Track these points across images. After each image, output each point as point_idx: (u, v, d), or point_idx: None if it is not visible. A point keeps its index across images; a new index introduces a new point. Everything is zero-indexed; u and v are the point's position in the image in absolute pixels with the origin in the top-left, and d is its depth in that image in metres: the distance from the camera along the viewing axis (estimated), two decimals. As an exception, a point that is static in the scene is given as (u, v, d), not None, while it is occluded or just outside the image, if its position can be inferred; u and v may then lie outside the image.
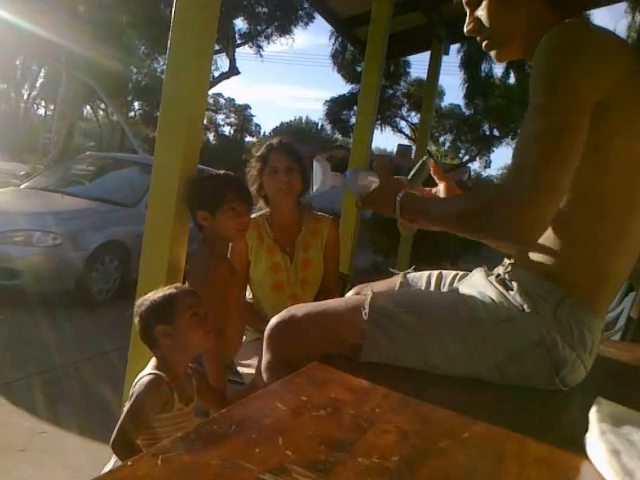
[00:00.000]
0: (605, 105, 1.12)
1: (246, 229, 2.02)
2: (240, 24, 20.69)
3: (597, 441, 0.90)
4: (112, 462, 1.41)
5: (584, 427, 0.96)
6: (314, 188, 1.55)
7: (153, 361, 1.49)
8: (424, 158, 1.51)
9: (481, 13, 1.31)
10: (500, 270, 1.33)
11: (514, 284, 1.25)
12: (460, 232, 1.27)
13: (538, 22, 1.25)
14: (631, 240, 1.23)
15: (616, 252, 1.21)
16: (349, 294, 1.68)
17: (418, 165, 1.50)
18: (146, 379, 1.41)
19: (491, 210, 1.12)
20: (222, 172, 2.14)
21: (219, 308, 1.81)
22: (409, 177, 1.48)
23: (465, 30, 1.36)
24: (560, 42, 1.13)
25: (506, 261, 1.34)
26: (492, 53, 1.36)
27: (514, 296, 1.23)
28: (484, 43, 1.35)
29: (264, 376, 1.35)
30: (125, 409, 1.38)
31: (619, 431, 0.93)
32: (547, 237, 1.20)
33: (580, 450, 0.92)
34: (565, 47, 1.12)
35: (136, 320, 1.51)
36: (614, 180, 1.17)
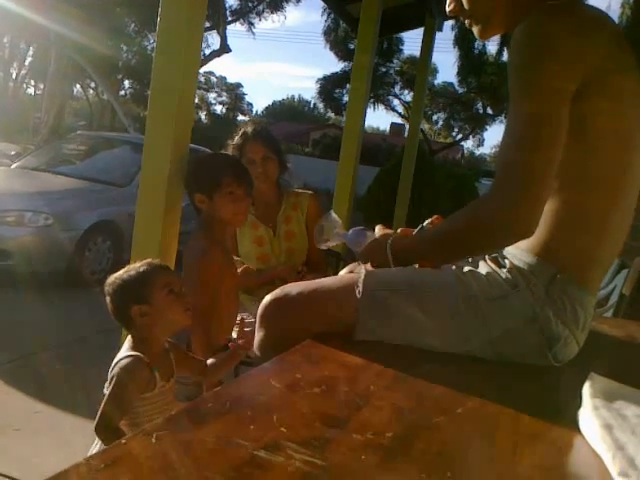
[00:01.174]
0: (586, 88, 1.13)
1: (244, 214, 1.95)
2: (231, 0, 20.48)
3: (590, 416, 0.91)
4: (97, 445, 1.39)
5: (577, 402, 0.97)
6: (319, 243, 1.65)
7: (129, 341, 1.44)
8: (424, 223, 1.53)
9: None
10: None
11: (506, 262, 1.26)
12: (460, 251, 1.28)
13: (518, 0, 1.25)
14: (619, 217, 1.24)
15: (605, 229, 1.22)
16: (342, 272, 1.68)
17: (417, 230, 1.50)
18: (125, 362, 1.37)
19: (488, 221, 1.15)
20: (221, 153, 2.07)
21: (213, 292, 1.80)
22: None
23: (447, 11, 1.38)
24: (532, 37, 1.14)
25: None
26: (474, 31, 1.37)
27: (507, 274, 1.24)
28: (466, 22, 1.36)
29: (257, 354, 1.35)
30: (107, 393, 1.34)
31: (612, 406, 0.94)
32: None
33: (573, 425, 0.92)
34: (537, 42, 1.13)
35: (108, 299, 1.45)
36: (600, 159, 1.18)
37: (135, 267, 1.45)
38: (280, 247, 2.45)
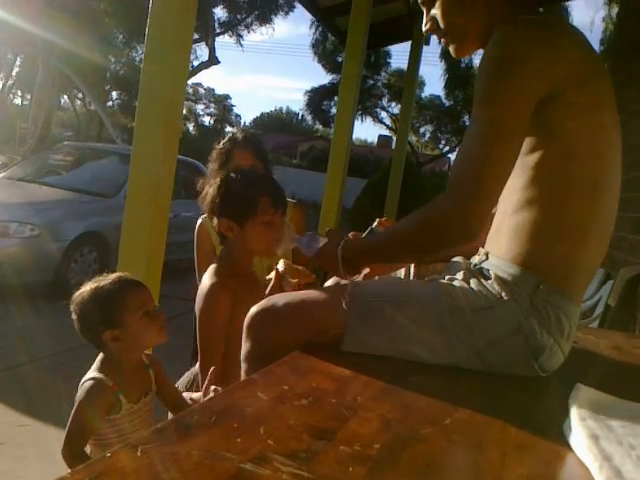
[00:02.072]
0: (554, 98, 1.16)
1: (278, 244, 1.67)
2: (220, 12, 20.53)
3: (577, 427, 0.91)
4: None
5: (564, 413, 0.97)
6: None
7: (99, 360, 1.38)
8: (372, 226, 1.56)
9: (435, 12, 1.35)
10: (476, 259, 1.34)
11: (491, 272, 1.26)
12: (410, 252, 1.32)
13: (492, 17, 1.30)
14: (599, 225, 1.25)
15: (585, 238, 1.23)
16: (329, 283, 1.67)
17: (366, 233, 1.53)
18: (87, 385, 1.31)
19: (437, 222, 1.20)
20: (258, 171, 1.77)
21: (228, 335, 1.60)
22: None
23: (423, 30, 1.41)
24: (500, 46, 1.18)
25: (481, 250, 1.35)
26: (450, 49, 1.41)
27: (492, 284, 1.24)
28: (442, 40, 1.39)
29: (243, 366, 1.34)
30: (70, 417, 1.29)
31: (598, 417, 0.94)
32: (519, 224, 1.22)
33: (560, 436, 0.93)
34: (505, 51, 1.17)
35: (75, 319, 1.35)
36: (577, 167, 1.20)
37: (105, 285, 1.35)
38: (261, 264, 2.28)
